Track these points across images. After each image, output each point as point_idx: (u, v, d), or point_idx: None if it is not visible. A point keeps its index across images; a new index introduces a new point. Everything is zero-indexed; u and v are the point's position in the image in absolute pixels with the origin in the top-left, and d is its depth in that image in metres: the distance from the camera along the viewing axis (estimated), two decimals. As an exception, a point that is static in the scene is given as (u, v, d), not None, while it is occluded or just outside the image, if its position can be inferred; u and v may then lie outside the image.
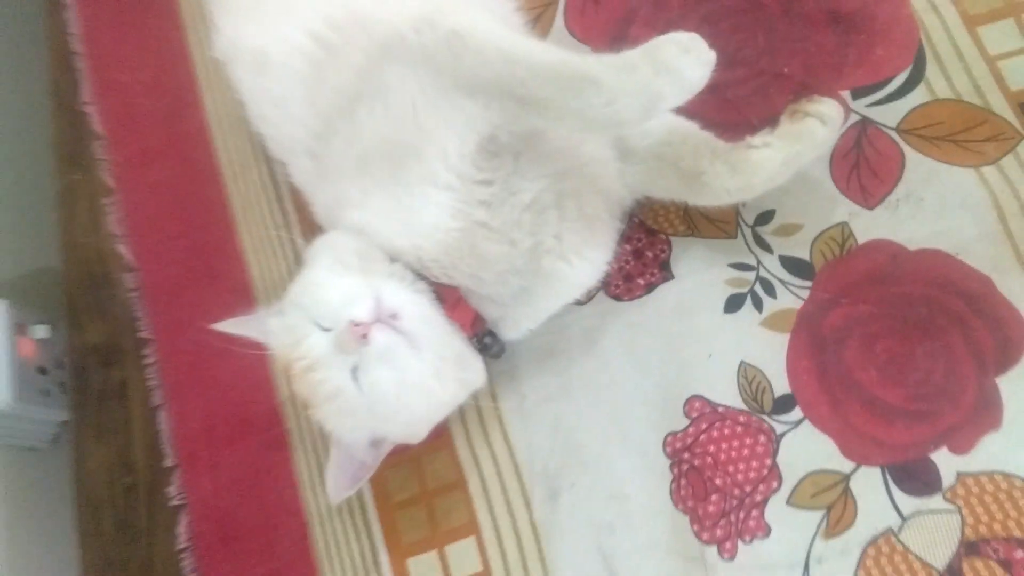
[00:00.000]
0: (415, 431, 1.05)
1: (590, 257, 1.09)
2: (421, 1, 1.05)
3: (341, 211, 1.04)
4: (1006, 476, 0.99)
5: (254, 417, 1.26)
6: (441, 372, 0.99)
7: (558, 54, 0.91)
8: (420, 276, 1.01)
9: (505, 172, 0.98)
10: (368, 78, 1.02)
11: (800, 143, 1.02)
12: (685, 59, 0.87)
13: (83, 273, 1.39)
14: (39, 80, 1.51)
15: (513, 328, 1.10)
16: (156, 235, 1.38)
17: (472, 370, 1.05)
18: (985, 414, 1.03)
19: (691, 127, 1.07)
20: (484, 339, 1.08)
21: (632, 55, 0.88)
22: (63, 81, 1.49)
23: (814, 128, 1.02)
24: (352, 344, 0.93)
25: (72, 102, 1.46)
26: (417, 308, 0.97)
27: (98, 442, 1.31)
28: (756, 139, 1.03)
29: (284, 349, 1.00)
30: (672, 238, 1.19)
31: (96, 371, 1.34)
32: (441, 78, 0.94)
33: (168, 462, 1.28)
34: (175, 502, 1.25)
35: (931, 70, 1.15)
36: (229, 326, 1.07)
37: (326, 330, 0.96)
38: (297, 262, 1.29)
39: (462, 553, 1.15)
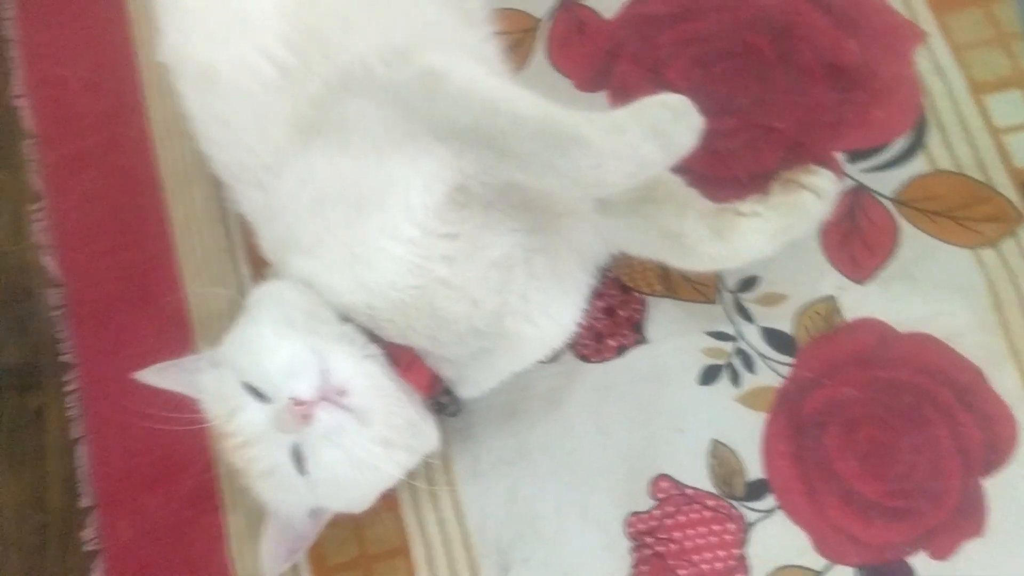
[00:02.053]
0: (360, 502, 0.97)
1: (558, 317, 1.00)
2: (392, 29, 0.95)
3: (289, 254, 0.94)
4: (988, 589, 0.93)
5: (183, 460, 1.15)
6: (390, 442, 0.90)
7: (545, 107, 0.83)
8: (373, 338, 0.91)
9: (473, 225, 0.89)
10: (326, 110, 0.91)
11: (791, 216, 0.95)
12: (676, 125, 0.81)
13: (2, 285, 1.26)
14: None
15: (472, 388, 1.02)
16: (86, 248, 1.26)
17: (424, 436, 0.96)
18: (968, 518, 0.98)
19: (675, 183, 0.99)
20: (440, 399, 0.99)
21: (621, 116, 0.81)
22: (-7, 71, 1.35)
23: (807, 201, 0.94)
24: (293, 425, 0.84)
25: (1, 95, 1.33)
26: (367, 380, 0.88)
27: (9, 474, 1.20)
28: (745, 206, 0.95)
29: (215, 419, 0.91)
30: (648, 298, 1.11)
31: (10, 395, 1.22)
32: (410, 119, 0.85)
33: (85, 502, 1.16)
34: (90, 547, 1.15)
35: (932, 138, 1.09)
36: (154, 375, 0.97)
37: (264, 399, 0.87)
38: (240, 292, 1.18)
39: (401, 626, 1.07)
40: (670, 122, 0.80)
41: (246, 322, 0.92)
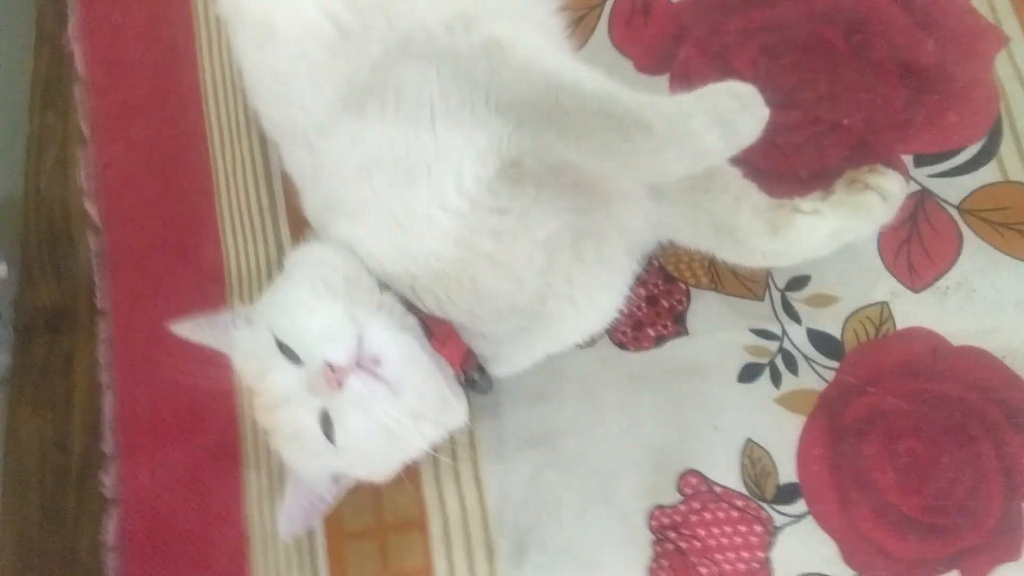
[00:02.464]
0: (382, 472, 0.96)
1: (600, 303, 0.98)
2: None
3: (332, 217, 0.93)
4: (1021, 616, 0.90)
5: (207, 415, 1.15)
6: (420, 415, 0.88)
7: (609, 87, 0.80)
8: (410, 308, 0.90)
9: (523, 202, 0.86)
10: (384, 73, 0.89)
11: (853, 217, 0.92)
12: (741, 114, 0.78)
13: (44, 226, 1.26)
14: (23, 7, 1.37)
15: (505, 366, 1.00)
16: (129, 197, 1.25)
17: (453, 411, 0.94)
18: (1006, 540, 0.94)
19: (733, 174, 0.96)
20: (472, 374, 0.97)
21: (687, 102, 0.78)
22: (49, 12, 1.34)
23: (873, 203, 0.92)
24: (325, 389, 0.82)
25: (56, 37, 1.32)
26: (402, 351, 0.86)
27: (34, 414, 1.20)
28: (805, 203, 0.92)
29: (246, 376, 0.91)
30: (692, 289, 1.07)
31: (43, 336, 1.22)
32: (469, 89, 0.82)
33: (107, 449, 1.16)
34: (109, 494, 1.14)
35: (1006, 147, 1.03)
36: (188, 328, 0.96)
37: (297, 362, 0.85)
38: (279, 252, 1.17)
39: (412, 599, 1.05)
40: (736, 111, 0.77)
41: (285, 282, 0.91)
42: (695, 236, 0.99)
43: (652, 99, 0.78)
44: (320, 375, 0.82)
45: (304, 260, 0.92)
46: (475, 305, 0.89)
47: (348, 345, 0.83)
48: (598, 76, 0.81)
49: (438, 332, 0.91)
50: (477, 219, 0.84)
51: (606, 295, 0.98)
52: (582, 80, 0.80)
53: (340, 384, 0.82)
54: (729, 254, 0.97)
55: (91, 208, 1.24)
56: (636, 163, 0.78)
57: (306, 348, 0.85)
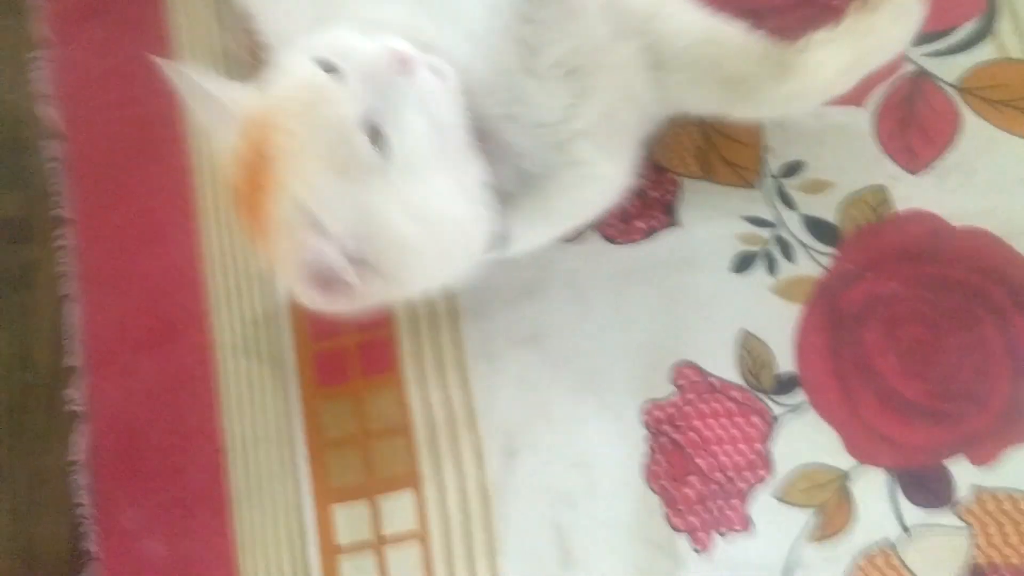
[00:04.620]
0: (413, 245, 0.75)
1: (619, 162, 0.90)
2: None
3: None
4: (1030, 497, 0.87)
5: (179, 322, 1.09)
6: (464, 175, 0.77)
7: None
8: None
9: (545, 16, 0.80)
10: None
11: (869, 39, 0.85)
12: None
13: (1, 135, 1.19)
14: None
15: (516, 222, 0.87)
16: (90, 101, 1.18)
17: (482, 216, 0.80)
18: (1014, 423, 0.92)
19: (735, 28, 0.89)
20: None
21: None
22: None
23: (886, 25, 0.85)
24: (393, 70, 0.71)
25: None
26: (457, 82, 0.76)
27: (-5, 329, 1.14)
28: (814, 39, 0.86)
29: (273, 97, 0.74)
30: (683, 180, 1.03)
31: (2, 248, 1.16)
32: None
33: (73, 362, 1.10)
34: (76, 408, 1.09)
35: (1002, 24, 1.00)
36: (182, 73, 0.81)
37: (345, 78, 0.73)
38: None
39: (397, 507, 1.01)
40: None
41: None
42: (705, 98, 0.91)
43: None
44: (388, 58, 0.71)
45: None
46: (510, 104, 0.81)
47: (412, 45, 0.73)
48: None
49: None
50: (506, 24, 0.79)
51: (622, 154, 0.90)
52: None
53: (408, 64, 0.71)
54: (743, 109, 0.90)
55: (49, 113, 1.18)
56: None
57: (365, 50, 0.72)
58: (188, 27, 1.18)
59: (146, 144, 1.16)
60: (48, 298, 1.14)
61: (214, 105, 0.78)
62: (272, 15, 0.96)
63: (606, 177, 0.90)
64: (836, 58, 0.84)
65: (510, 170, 0.84)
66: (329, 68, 0.72)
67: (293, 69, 0.74)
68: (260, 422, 1.05)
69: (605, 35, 0.85)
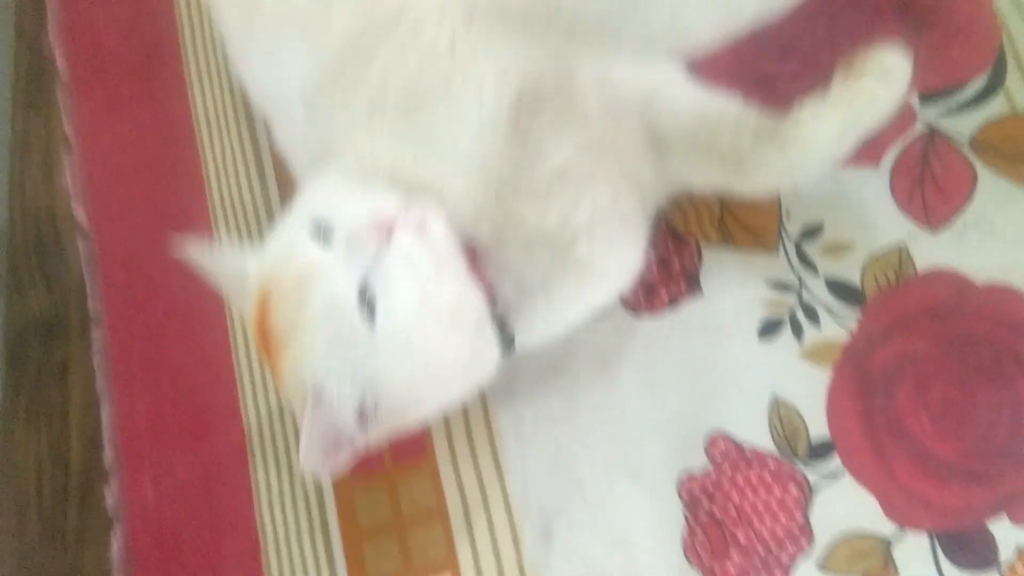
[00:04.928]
0: (416, 394, 0.83)
1: (624, 257, 0.93)
2: None
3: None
4: (1077, 555, 0.86)
5: (211, 418, 1.11)
6: (459, 320, 0.81)
7: None
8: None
9: (540, 127, 0.83)
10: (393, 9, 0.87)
11: (857, 107, 0.85)
12: None
13: (30, 233, 1.22)
14: (1, 8, 1.33)
15: (523, 325, 0.92)
16: (117, 198, 1.21)
17: (488, 343, 0.86)
18: None
19: (729, 103, 0.92)
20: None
21: None
22: (28, 12, 1.31)
23: (873, 88, 0.85)
24: (372, 241, 0.75)
25: (36, 38, 1.29)
26: (446, 228, 0.81)
27: (29, 430, 1.15)
28: (804, 110, 0.87)
29: (269, 270, 0.80)
30: (703, 247, 1.04)
31: (35, 347, 1.18)
32: (478, 12, 0.82)
33: (108, 461, 1.11)
34: (111, 509, 1.09)
35: (1012, 79, 1.01)
36: (194, 251, 0.89)
37: (331, 244, 0.78)
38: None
39: (437, 594, 1.00)
40: None
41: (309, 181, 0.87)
42: (706, 176, 0.94)
43: None
44: (368, 226, 0.76)
45: (320, 170, 0.87)
46: (503, 225, 0.84)
47: (395, 204, 0.78)
48: None
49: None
50: (496, 143, 0.81)
51: (627, 248, 0.93)
52: None
53: (389, 233, 0.76)
54: (745, 184, 0.92)
55: (79, 212, 1.20)
56: (654, 34, 0.79)
57: (350, 214, 0.78)
58: (214, 123, 1.21)
59: (173, 239, 1.18)
60: (82, 396, 1.16)
61: (229, 276, 0.86)
62: (282, 137, 1.00)
63: (610, 274, 0.92)
64: (828, 127, 0.85)
65: (511, 285, 0.87)
66: (319, 229, 0.78)
67: (288, 236, 0.81)
68: (294, 515, 1.05)
69: (604, 125, 0.87)
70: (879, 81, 0.84)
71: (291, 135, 0.98)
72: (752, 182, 0.91)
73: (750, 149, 0.87)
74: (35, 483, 1.14)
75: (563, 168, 0.84)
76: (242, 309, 0.86)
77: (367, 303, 0.76)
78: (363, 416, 0.80)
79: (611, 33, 0.79)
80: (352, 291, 0.76)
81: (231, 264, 0.86)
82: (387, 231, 0.76)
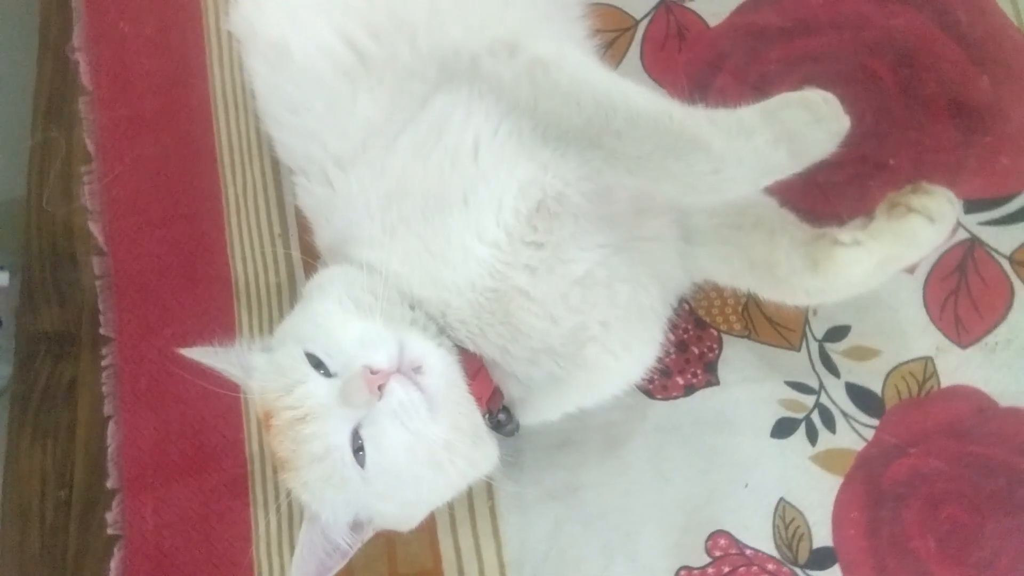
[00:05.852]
0: (410, 514, 0.88)
1: (638, 353, 0.92)
2: (486, 21, 0.87)
3: (353, 248, 0.87)
4: None
5: (215, 451, 1.10)
6: (454, 446, 0.82)
7: (663, 104, 0.77)
8: (442, 331, 0.84)
9: (560, 237, 0.81)
10: (416, 103, 0.85)
11: (899, 245, 0.82)
12: (814, 129, 0.76)
13: (46, 245, 1.21)
14: (26, 15, 1.30)
15: (532, 414, 0.94)
16: (135, 218, 1.20)
17: (484, 452, 0.87)
18: None
19: (768, 205, 0.90)
20: (498, 415, 0.91)
21: (750, 115, 0.76)
22: (53, 20, 1.27)
23: (918, 227, 0.81)
24: (363, 395, 0.76)
25: (60, 47, 1.25)
26: (442, 363, 0.81)
27: (34, 444, 1.15)
28: (845, 234, 0.84)
29: (269, 394, 0.82)
30: (724, 336, 1.02)
31: (45, 364, 1.17)
32: (516, 118, 0.79)
33: (111, 484, 1.11)
34: (111, 530, 1.10)
35: (1062, 194, 0.98)
36: (200, 353, 0.90)
37: (329, 376, 0.80)
38: (290, 278, 1.12)
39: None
40: (808, 125, 0.75)
41: (310, 302, 0.86)
42: (732, 275, 0.92)
43: (710, 115, 0.75)
44: (360, 379, 0.76)
45: (328, 280, 0.86)
46: (508, 341, 0.84)
47: (390, 350, 0.77)
48: (650, 93, 0.78)
49: (468, 366, 0.84)
50: (513, 252, 0.80)
51: (642, 343, 0.92)
52: (634, 97, 0.77)
53: (380, 388, 0.76)
54: (769, 292, 0.90)
55: (95, 228, 1.19)
56: (693, 183, 0.75)
57: (343, 356, 0.79)
58: (237, 151, 1.18)
59: (188, 265, 1.17)
60: (89, 415, 1.15)
61: (238, 376, 0.89)
62: (302, 195, 0.98)
63: (621, 371, 0.91)
64: (867, 257, 0.82)
65: (517, 385, 0.87)
66: (316, 363, 0.80)
67: (286, 362, 0.81)
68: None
69: (632, 223, 0.86)
70: (924, 221, 0.81)
71: (311, 202, 0.96)
72: (780, 294, 0.89)
73: (783, 259, 0.85)
74: (38, 497, 1.15)
75: (584, 274, 0.83)
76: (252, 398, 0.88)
77: (358, 450, 0.78)
78: (358, 526, 0.86)
79: (653, 168, 0.76)
80: (344, 439, 0.78)
81: (238, 363, 0.88)
82: (379, 385, 0.76)
